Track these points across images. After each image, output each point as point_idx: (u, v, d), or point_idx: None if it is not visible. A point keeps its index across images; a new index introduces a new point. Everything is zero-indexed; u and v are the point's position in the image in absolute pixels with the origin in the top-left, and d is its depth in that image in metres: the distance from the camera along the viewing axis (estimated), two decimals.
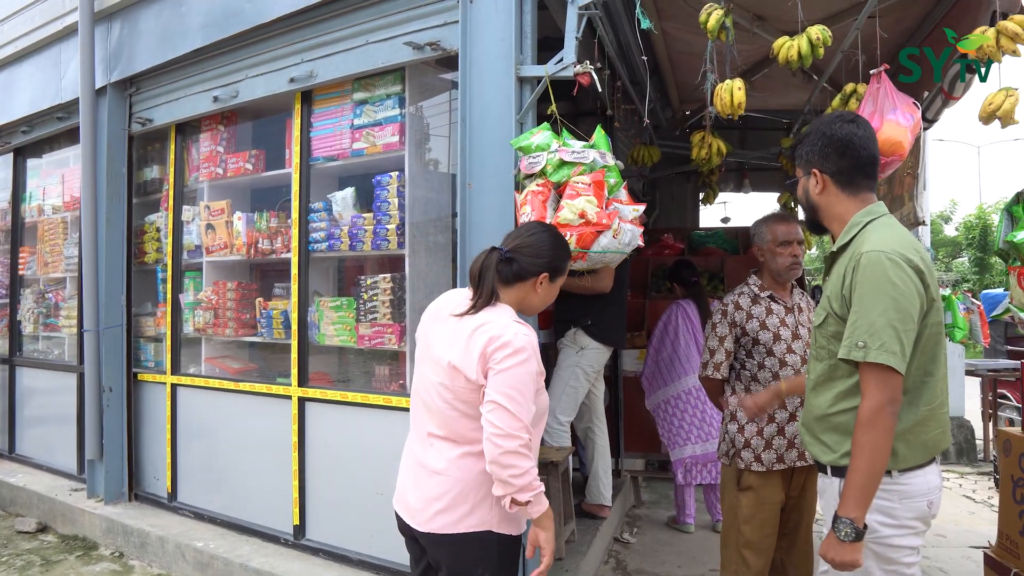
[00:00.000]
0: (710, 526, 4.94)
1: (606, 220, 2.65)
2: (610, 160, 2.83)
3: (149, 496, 4.86)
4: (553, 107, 2.99)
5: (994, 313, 2.68)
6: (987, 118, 2.55)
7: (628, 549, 4.56)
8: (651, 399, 5.05)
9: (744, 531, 2.94)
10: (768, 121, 6.18)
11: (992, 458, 6.85)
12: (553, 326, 4.46)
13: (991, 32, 2.57)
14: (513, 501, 1.98)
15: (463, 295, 2.22)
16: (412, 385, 2.23)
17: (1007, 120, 2.50)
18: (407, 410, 3.55)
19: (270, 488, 4.14)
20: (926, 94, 3.94)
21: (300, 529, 3.99)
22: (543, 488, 2.01)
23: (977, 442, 7.87)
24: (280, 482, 4.07)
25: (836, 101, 3.19)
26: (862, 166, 2.09)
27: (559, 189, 2.77)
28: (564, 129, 2.96)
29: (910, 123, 2.54)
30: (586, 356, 4.16)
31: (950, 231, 30.23)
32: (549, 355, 4.47)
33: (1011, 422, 7.54)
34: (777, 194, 5.37)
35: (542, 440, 4.20)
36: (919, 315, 1.91)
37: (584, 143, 2.86)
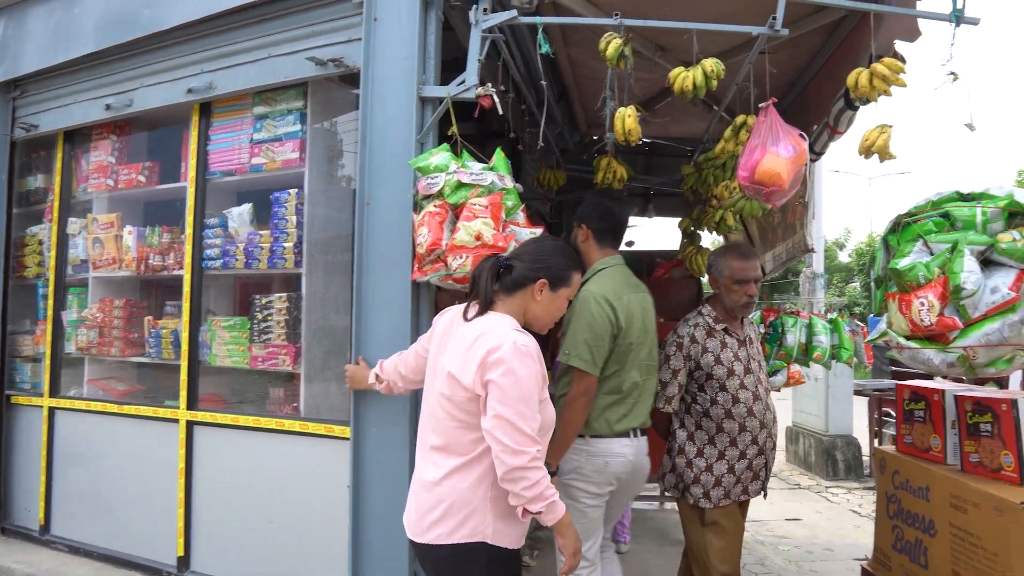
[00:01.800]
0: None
1: (502, 243, 2.65)
2: (508, 183, 2.84)
3: (18, 529, 4.51)
4: (454, 128, 2.99)
5: (870, 337, 2.82)
6: (864, 153, 2.71)
7: (528, 572, 4.55)
8: None
9: (722, 569, 2.90)
10: (673, 148, 6.37)
11: None
12: None
13: (865, 74, 2.72)
14: (525, 511, 2.02)
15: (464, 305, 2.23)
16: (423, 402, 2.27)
17: (884, 155, 2.66)
18: (301, 434, 3.50)
19: (154, 517, 3.92)
20: (814, 128, 4.15)
21: (184, 560, 3.78)
22: (556, 495, 2.04)
23: (864, 458, 8.29)
24: (165, 511, 3.85)
25: (728, 132, 3.31)
26: (613, 230, 2.99)
27: (456, 211, 2.76)
28: (464, 151, 2.96)
29: (791, 154, 2.67)
30: None
31: (844, 257, 32.03)
32: None
33: (894, 439, 7.97)
34: (678, 219, 5.54)
35: None
36: (609, 337, 2.73)
37: (484, 165, 2.87)
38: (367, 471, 3.09)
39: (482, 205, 2.70)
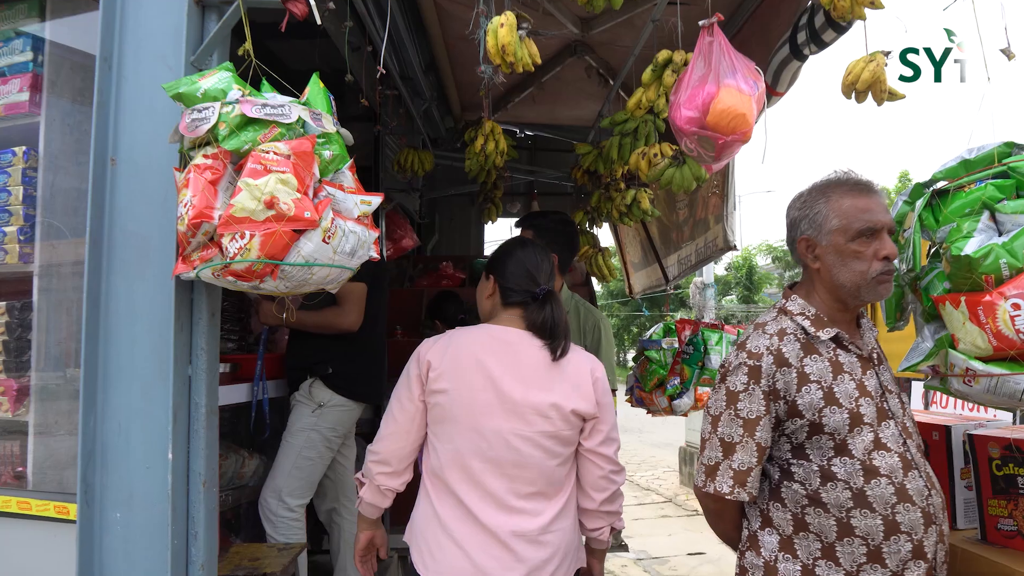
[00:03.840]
0: None
1: (310, 213, 1.63)
2: (328, 125, 1.82)
3: None
4: (248, 45, 1.94)
5: (910, 363, 1.80)
6: (848, 91, 1.88)
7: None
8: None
9: None
10: (560, 142, 5.61)
11: None
12: (285, 375, 3.30)
13: None
14: (612, 529, 2.05)
15: (504, 333, 2.06)
16: (451, 454, 1.97)
17: (879, 91, 1.84)
18: (22, 517, 2.30)
19: None
20: None
21: None
22: None
23: None
24: None
25: (647, 74, 2.42)
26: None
27: (239, 164, 1.71)
28: (265, 81, 1.92)
29: (755, 92, 1.80)
30: (326, 416, 3.07)
31: (720, 271, 33.41)
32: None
33: None
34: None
35: (268, 536, 3.07)
36: None
37: (292, 99, 1.84)
38: None
39: (280, 153, 1.66)
